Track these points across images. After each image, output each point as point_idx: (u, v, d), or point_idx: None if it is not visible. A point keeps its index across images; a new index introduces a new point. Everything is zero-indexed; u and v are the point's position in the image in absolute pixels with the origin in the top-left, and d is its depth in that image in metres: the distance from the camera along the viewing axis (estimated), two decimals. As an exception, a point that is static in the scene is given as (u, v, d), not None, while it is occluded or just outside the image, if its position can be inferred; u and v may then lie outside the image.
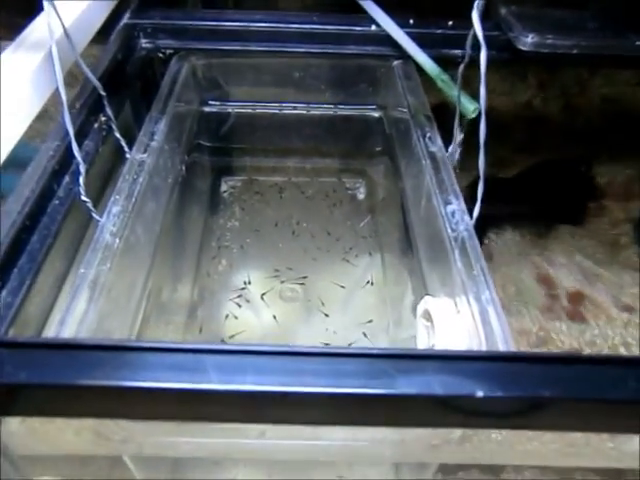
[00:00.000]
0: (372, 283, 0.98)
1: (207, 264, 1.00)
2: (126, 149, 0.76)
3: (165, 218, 0.78)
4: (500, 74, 1.46)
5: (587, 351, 1.07)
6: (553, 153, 1.40)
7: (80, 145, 0.68)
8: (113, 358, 0.42)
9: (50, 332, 0.49)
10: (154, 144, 0.76)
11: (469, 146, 0.73)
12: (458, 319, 0.60)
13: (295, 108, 1.11)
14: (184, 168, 0.91)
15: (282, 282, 0.97)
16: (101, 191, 0.76)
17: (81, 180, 0.62)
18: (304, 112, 1.11)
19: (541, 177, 1.36)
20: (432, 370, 0.44)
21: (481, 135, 0.62)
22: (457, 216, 0.67)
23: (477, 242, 0.62)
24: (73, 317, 0.50)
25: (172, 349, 0.43)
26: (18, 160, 0.62)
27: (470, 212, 0.66)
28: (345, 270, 1.01)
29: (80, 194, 0.62)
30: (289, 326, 0.91)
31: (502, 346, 0.51)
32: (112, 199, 0.65)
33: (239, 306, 0.93)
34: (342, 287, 0.97)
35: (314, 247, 1.04)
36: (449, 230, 0.65)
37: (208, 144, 1.12)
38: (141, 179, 0.69)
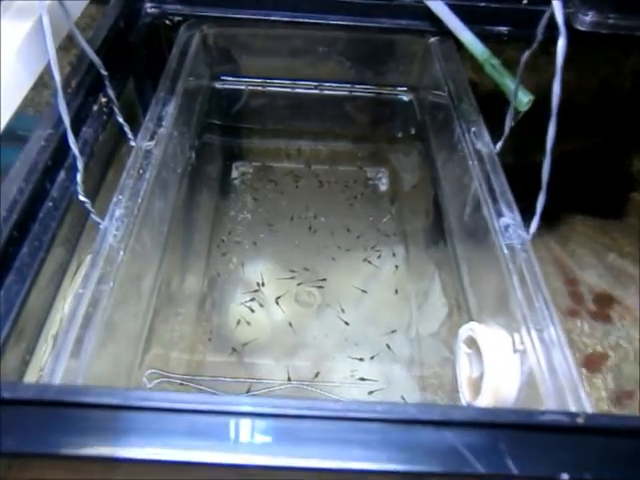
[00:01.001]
0: (397, 291, 0.91)
1: (217, 262, 0.93)
2: (130, 136, 0.67)
3: (173, 217, 0.71)
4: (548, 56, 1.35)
5: (611, 354, 1.00)
6: (591, 140, 1.31)
7: (77, 133, 0.60)
8: (115, 419, 0.35)
9: (45, 373, 0.42)
10: (162, 130, 0.68)
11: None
12: (514, 358, 0.53)
13: (316, 87, 1.01)
14: (194, 155, 0.83)
15: (298, 284, 0.90)
16: (100, 184, 0.68)
17: (79, 177, 0.54)
18: (325, 92, 1.02)
19: (574, 165, 1.28)
20: (504, 441, 0.37)
21: (549, 140, 0.54)
22: (511, 231, 0.59)
23: (538, 266, 0.55)
24: (66, 355, 0.43)
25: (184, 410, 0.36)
26: (14, 133, 0.56)
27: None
28: (367, 272, 0.94)
29: (78, 193, 0.54)
30: (306, 334, 0.85)
31: (572, 402, 0.44)
32: (115, 199, 0.58)
33: (252, 311, 0.86)
34: (363, 292, 0.91)
35: (333, 245, 0.97)
36: (503, 249, 0.57)
37: (219, 124, 1.03)
38: (148, 174, 0.61)
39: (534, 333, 0.49)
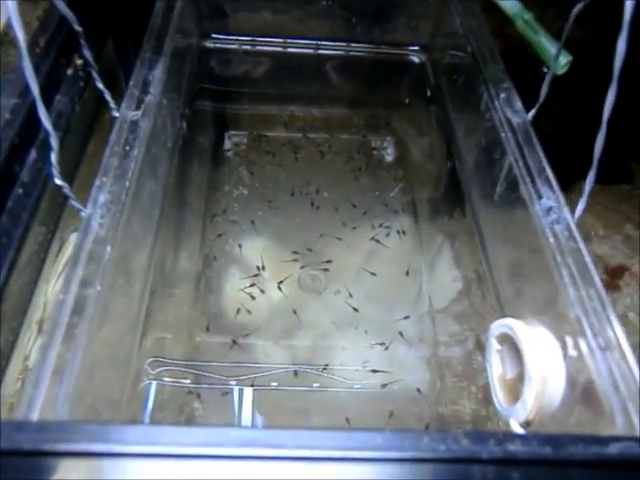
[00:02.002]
0: (408, 272, 0.85)
1: (213, 244, 0.86)
2: (112, 105, 0.59)
3: (165, 197, 0.64)
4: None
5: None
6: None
7: (49, 103, 0.51)
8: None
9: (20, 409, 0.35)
10: (149, 98, 0.59)
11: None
12: (561, 364, 0.47)
13: (317, 46, 0.93)
14: (185, 125, 0.75)
15: (302, 267, 0.84)
16: (79, 161, 0.60)
17: (53, 157, 0.45)
18: (326, 52, 0.93)
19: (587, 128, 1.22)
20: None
21: (606, 110, 0.47)
22: (554, 215, 0.53)
23: (589, 257, 0.49)
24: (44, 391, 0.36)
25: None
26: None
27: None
28: (375, 252, 0.88)
29: (53, 176, 0.46)
30: (311, 323, 0.79)
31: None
32: (98, 182, 0.50)
33: (252, 298, 0.80)
34: (372, 274, 0.85)
35: (338, 223, 0.90)
36: (547, 236, 0.51)
37: (211, 88, 0.93)
38: (135, 150, 0.53)
39: (590, 338, 0.43)
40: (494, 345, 0.56)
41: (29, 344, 0.56)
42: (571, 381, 0.46)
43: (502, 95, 0.64)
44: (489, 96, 0.65)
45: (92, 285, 0.42)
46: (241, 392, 0.71)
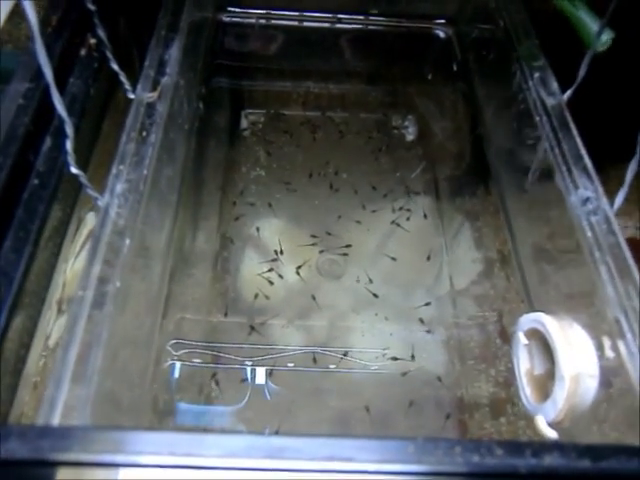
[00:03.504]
0: (429, 257, 0.83)
1: (230, 227, 0.84)
2: (127, 86, 0.56)
3: (183, 182, 0.62)
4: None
5: None
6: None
7: (63, 87, 0.49)
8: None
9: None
10: (166, 79, 0.57)
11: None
12: (595, 364, 0.45)
13: (336, 20, 0.89)
14: (202, 105, 0.73)
15: (321, 252, 0.82)
16: (93, 145, 0.58)
17: (69, 145, 0.43)
18: (346, 25, 0.89)
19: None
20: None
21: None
22: (592, 206, 0.50)
23: (629, 254, 0.46)
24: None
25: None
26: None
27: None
28: (396, 237, 0.86)
29: (69, 165, 0.44)
30: (331, 309, 0.78)
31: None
32: (114, 170, 0.48)
33: (270, 283, 0.79)
34: (393, 259, 0.83)
35: (357, 206, 0.88)
36: (585, 230, 0.48)
37: (227, 64, 0.91)
38: (153, 136, 0.52)
39: (630, 340, 0.41)
40: (522, 339, 0.54)
41: (50, 324, 0.56)
42: (605, 383, 0.44)
43: (536, 74, 0.61)
44: (522, 75, 0.61)
45: (111, 280, 0.41)
46: (257, 373, 0.71)
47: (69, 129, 0.44)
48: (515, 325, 0.55)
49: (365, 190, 0.89)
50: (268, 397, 0.68)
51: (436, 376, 0.72)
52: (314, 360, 0.72)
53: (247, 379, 0.70)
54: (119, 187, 0.47)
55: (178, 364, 0.69)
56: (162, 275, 0.60)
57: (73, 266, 0.57)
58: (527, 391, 0.53)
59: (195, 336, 0.72)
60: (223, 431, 0.67)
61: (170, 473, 0.31)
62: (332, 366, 0.72)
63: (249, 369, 0.71)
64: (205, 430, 0.66)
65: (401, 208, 0.88)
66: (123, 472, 0.32)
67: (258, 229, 0.84)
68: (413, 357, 0.73)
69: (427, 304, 0.78)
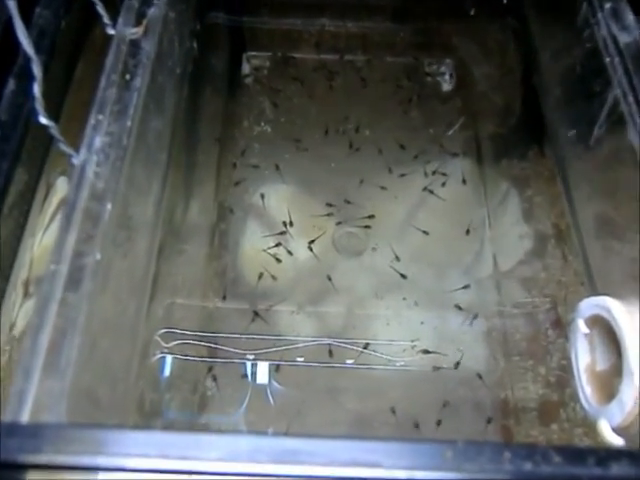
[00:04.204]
0: (469, 230, 0.82)
1: (229, 194, 0.84)
2: (107, 20, 0.55)
3: (174, 137, 0.62)
4: None
5: None
6: None
7: (29, 19, 0.49)
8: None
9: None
10: (152, 11, 0.56)
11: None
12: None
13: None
14: (196, 45, 0.72)
15: (338, 224, 0.82)
16: (65, 91, 0.58)
17: (36, 89, 0.43)
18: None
19: None
20: None
21: None
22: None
23: None
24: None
25: None
26: None
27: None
28: (429, 206, 0.85)
29: (37, 113, 0.44)
30: (350, 291, 0.78)
31: None
32: (92, 120, 0.48)
33: (277, 260, 0.79)
34: (425, 233, 0.82)
35: (382, 168, 0.87)
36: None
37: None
38: (138, 80, 0.51)
39: None
40: (582, 328, 0.54)
41: (15, 309, 0.56)
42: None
43: (607, 5, 0.59)
44: (589, 6, 0.60)
45: (89, 255, 0.41)
46: (260, 368, 0.72)
47: (37, 69, 0.44)
48: (573, 312, 0.55)
49: (392, 150, 0.89)
50: (271, 400, 0.69)
51: (475, 373, 0.72)
52: (329, 353, 0.72)
53: (248, 375, 0.70)
54: (98, 142, 0.47)
55: (168, 357, 0.69)
56: (149, 251, 0.60)
57: (42, 241, 0.57)
58: (587, 391, 0.53)
59: (188, 324, 0.72)
60: (223, 431, 0.67)
61: (160, 478, 0.31)
62: (350, 361, 0.72)
63: (250, 364, 0.71)
64: (202, 429, 0.67)
65: (435, 172, 0.87)
66: (103, 476, 0.32)
67: (263, 196, 0.83)
68: (448, 351, 0.73)
69: (465, 287, 0.78)
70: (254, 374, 0.71)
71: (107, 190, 0.45)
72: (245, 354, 0.72)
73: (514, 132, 0.86)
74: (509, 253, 0.80)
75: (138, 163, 0.51)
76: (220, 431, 0.68)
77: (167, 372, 0.69)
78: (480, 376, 0.72)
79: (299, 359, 0.72)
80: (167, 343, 0.69)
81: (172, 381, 0.69)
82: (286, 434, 0.64)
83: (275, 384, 0.71)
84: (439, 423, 0.68)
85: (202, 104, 0.81)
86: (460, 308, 0.77)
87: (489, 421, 0.69)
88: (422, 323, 0.76)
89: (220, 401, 0.70)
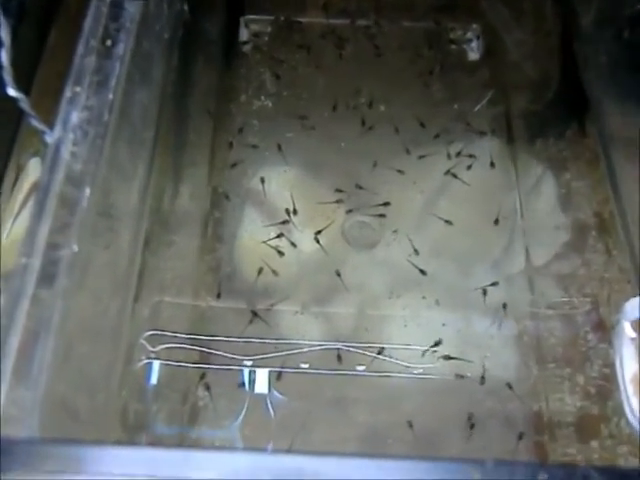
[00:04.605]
0: (498, 220, 0.82)
1: (225, 178, 0.85)
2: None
3: (162, 111, 0.63)
4: None
5: None
6: None
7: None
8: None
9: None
10: (135, -32, 0.56)
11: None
12: None
13: None
14: (186, 6, 0.72)
15: (348, 212, 0.82)
16: (37, 59, 0.58)
17: (4, 57, 0.44)
18: None
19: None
20: None
21: None
22: None
23: None
24: None
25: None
26: None
27: None
28: (453, 192, 0.85)
29: (5, 85, 0.44)
30: (361, 288, 0.78)
31: None
32: (69, 93, 0.49)
33: (280, 253, 0.79)
34: (447, 222, 0.82)
35: (399, 149, 0.88)
36: None
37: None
38: (120, 46, 0.51)
39: None
40: (628, 331, 0.54)
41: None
42: None
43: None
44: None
45: (65, 246, 0.41)
46: (259, 376, 0.72)
47: (4, 34, 0.44)
48: (618, 313, 0.55)
49: (410, 128, 0.89)
50: (272, 413, 0.69)
51: (504, 383, 0.72)
52: (338, 359, 0.73)
53: (246, 384, 0.71)
54: (75, 117, 0.48)
55: (155, 363, 0.69)
56: (133, 242, 0.61)
57: (11, 231, 0.57)
58: (634, 403, 0.53)
59: (178, 326, 0.72)
60: (217, 447, 0.68)
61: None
62: (361, 368, 0.73)
63: (248, 371, 0.71)
64: (193, 445, 0.67)
65: (459, 153, 0.87)
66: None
67: (263, 180, 0.84)
68: (473, 357, 0.73)
69: (493, 284, 0.78)
70: (252, 382, 0.71)
71: (85, 173, 0.45)
72: (242, 360, 0.72)
73: (550, 107, 0.86)
74: (544, 246, 0.80)
75: (121, 142, 0.52)
76: (214, 447, 0.68)
77: (154, 380, 0.69)
78: (510, 386, 0.72)
79: (303, 366, 0.73)
80: (154, 347, 0.69)
81: (159, 390, 0.69)
82: (289, 451, 0.64)
83: (276, 394, 0.71)
84: (464, 439, 0.68)
85: (194, 75, 0.82)
86: (487, 308, 0.77)
87: (520, 437, 0.69)
88: (444, 325, 0.76)
89: (214, 413, 0.70)
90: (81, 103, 0.48)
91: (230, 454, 0.32)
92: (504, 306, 0.76)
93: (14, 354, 0.39)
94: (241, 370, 0.72)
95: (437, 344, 0.74)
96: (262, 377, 0.72)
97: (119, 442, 0.59)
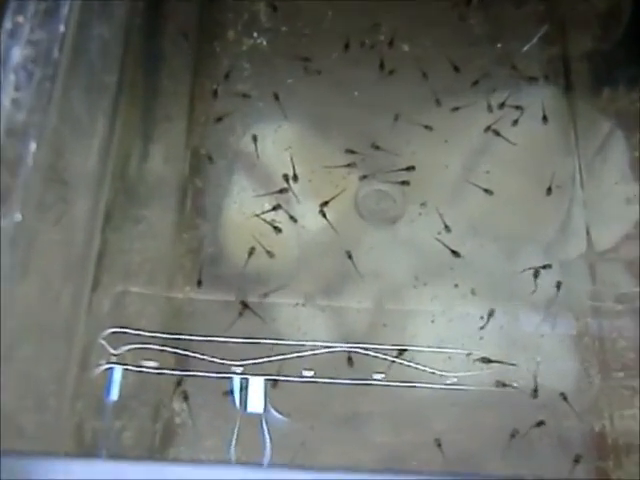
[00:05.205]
0: (550, 188, 0.82)
1: (207, 136, 0.85)
2: None
3: (126, 54, 0.63)
4: None
5: None
6: None
7: None
8: None
9: None
10: None
11: None
12: None
13: None
14: None
15: (362, 178, 0.83)
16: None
17: None
18: None
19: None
20: None
21: None
22: None
23: None
24: None
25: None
26: None
27: None
28: (494, 154, 0.85)
29: None
30: (378, 274, 0.78)
31: None
32: (8, 24, 0.48)
33: (276, 230, 0.79)
34: (487, 192, 0.82)
35: (427, 98, 0.88)
36: None
37: None
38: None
39: None
40: None
41: None
42: None
43: None
44: None
45: (4, 213, 0.41)
46: (251, 385, 0.72)
47: None
48: None
49: (441, 72, 0.89)
50: (266, 432, 0.69)
51: (558, 393, 0.72)
52: (349, 364, 0.73)
53: (236, 395, 0.71)
54: (16, 55, 0.47)
55: (118, 369, 0.69)
56: (91, 216, 0.61)
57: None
58: None
59: (147, 322, 0.73)
60: (199, 460, 0.68)
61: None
62: (379, 376, 0.73)
63: (239, 379, 0.72)
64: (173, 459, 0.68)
65: (503, 104, 0.87)
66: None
67: (255, 139, 0.84)
68: (519, 360, 0.74)
69: (545, 266, 0.78)
70: (243, 392, 0.71)
71: (30, 124, 0.45)
72: (230, 365, 0.72)
73: (620, 48, 0.85)
74: (610, 224, 0.81)
75: (75, 88, 0.52)
76: (196, 461, 0.68)
77: (114, 390, 0.69)
78: (565, 397, 0.72)
79: (307, 373, 0.73)
80: (116, 349, 0.69)
81: (124, 403, 0.69)
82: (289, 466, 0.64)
83: (272, 408, 0.71)
84: (505, 462, 0.68)
85: (168, 4, 0.82)
86: (537, 301, 0.77)
87: (577, 460, 0.69)
88: (481, 319, 0.76)
89: (193, 430, 0.70)
90: (24, 37, 0.47)
91: (215, 469, 0.32)
92: (558, 298, 0.76)
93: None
94: (230, 379, 0.72)
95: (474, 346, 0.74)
96: (258, 385, 0.72)
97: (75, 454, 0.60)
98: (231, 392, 0.72)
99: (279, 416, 0.71)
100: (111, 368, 0.69)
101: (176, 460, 0.69)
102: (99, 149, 0.59)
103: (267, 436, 0.70)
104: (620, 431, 0.70)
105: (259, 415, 0.71)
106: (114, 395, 0.68)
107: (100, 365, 0.68)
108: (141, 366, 0.70)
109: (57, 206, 0.55)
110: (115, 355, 0.69)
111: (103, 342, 0.68)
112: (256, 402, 0.71)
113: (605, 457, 0.70)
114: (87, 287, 0.59)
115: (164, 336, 0.72)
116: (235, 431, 0.70)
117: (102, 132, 0.60)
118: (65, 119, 0.50)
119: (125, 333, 0.70)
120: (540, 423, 0.70)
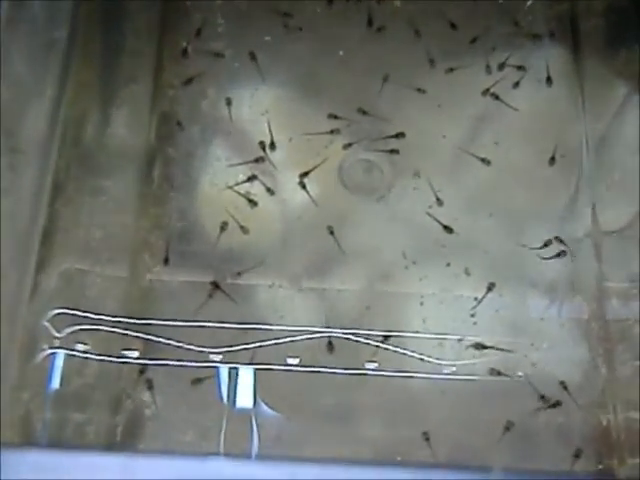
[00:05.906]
0: (554, 157, 0.82)
1: (176, 99, 0.84)
2: None
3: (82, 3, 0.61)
4: None
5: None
6: None
7: None
8: None
9: None
10: None
11: None
12: None
13: None
14: None
15: (347, 146, 0.82)
16: None
17: None
18: None
19: None
20: None
21: None
22: None
23: None
24: None
25: None
26: None
27: None
28: (493, 119, 0.85)
29: None
30: (364, 252, 0.78)
31: None
32: None
33: (251, 203, 0.79)
34: (484, 161, 0.82)
35: (420, 58, 0.87)
36: None
37: None
38: None
39: None
40: None
41: None
42: None
43: None
44: None
45: None
46: (231, 374, 0.72)
47: None
48: None
49: (435, 29, 0.89)
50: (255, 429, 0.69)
51: (558, 382, 0.72)
52: (330, 350, 0.73)
53: (222, 391, 0.71)
54: None
55: (60, 354, 0.69)
56: (39, 186, 0.61)
57: None
58: None
59: (105, 304, 0.72)
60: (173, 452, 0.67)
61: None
62: (371, 365, 0.73)
63: (227, 370, 0.72)
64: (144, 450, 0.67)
65: (503, 65, 0.87)
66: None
67: (230, 102, 0.84)
68: (516, 346, 0.74)
69: (546, 244, 0.78)
70: (219, 379, 0.72)
71: None
72: (206, 352, 0.72)
73: (634, 5, 0.84)
74: (619, 199, 0.81)
75: (18, 43, 0.51)
76: (170, 452, 0.68)
77: (56, 377, 0.68)
78: (565, 387, 0.72)
79: (291, 360, 0.73)
80: (61, 332, 0.69)
81: (80, 391, 0.68)
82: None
83: (263, 402, 0.71)
84: (502, 456, 0.69)
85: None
86: (537, 281, 0.77)
87: (577, 455, 0.69)
88: (476, 302, 0.76)
89: (160, 424, 0.70)
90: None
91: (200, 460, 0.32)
92: (563, 279, 0.77)
93: None
94: (216, 368, 0.72)
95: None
96: (244, 380, 0.72)
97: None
98: (203, 380, 0.71)
99: (270, 410, 0.70)
100: (54, 354, 0.68)
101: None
102: (48, 111, 0.59)
103: (255, 428, 0.69)
104: (626, 425, 0.71)
105: (248, 410, 0.71)
106: (55, 383, 0.67)
107: (44, 350, 0.67)
108: (89, 353, 0.70)
109: (5, 176, 0.54)
110: (59, 338, 0.68)
111: (47, 324, 0.68)
112: (246, 396, 0.71)
113: (609, 453, 0.70)
114: (31, 264, 0.59)
115: (123, 319, 0.72)
116: (223, 424, 0.69)
117: (52, 92, 0.59)
118: (7, 79, 0.50)
119: (74, 315, 0.70)
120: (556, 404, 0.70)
